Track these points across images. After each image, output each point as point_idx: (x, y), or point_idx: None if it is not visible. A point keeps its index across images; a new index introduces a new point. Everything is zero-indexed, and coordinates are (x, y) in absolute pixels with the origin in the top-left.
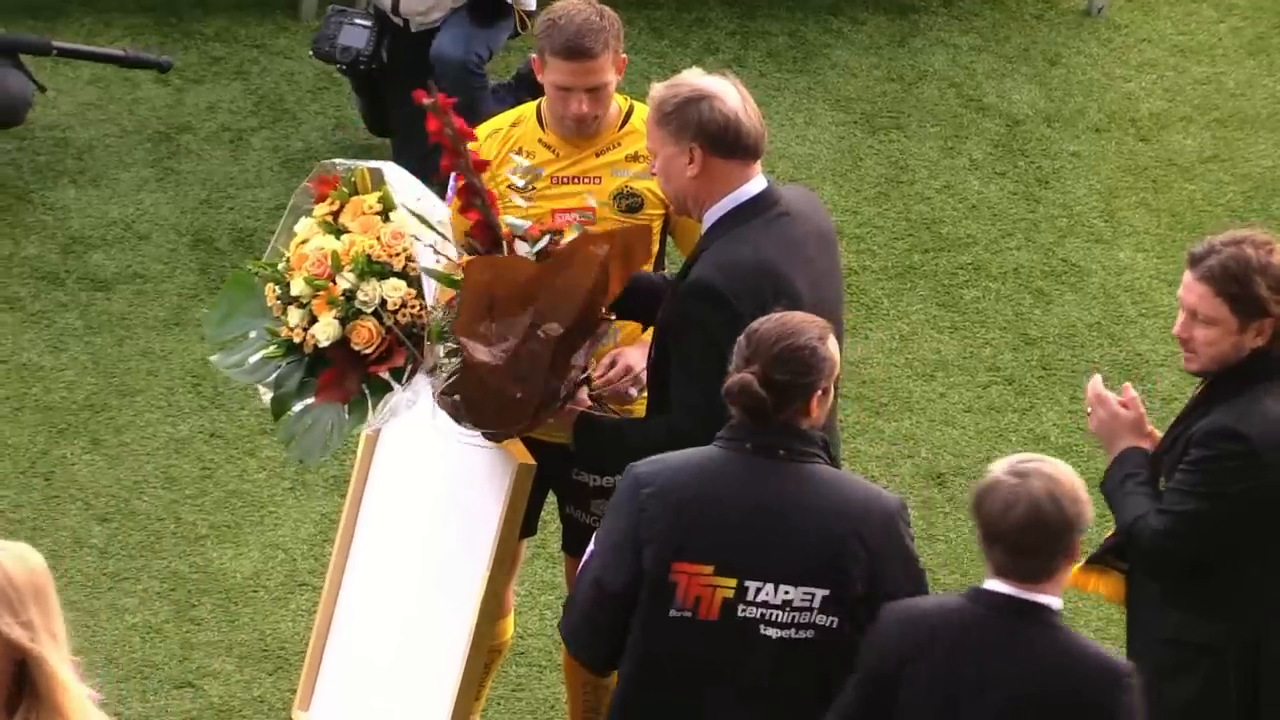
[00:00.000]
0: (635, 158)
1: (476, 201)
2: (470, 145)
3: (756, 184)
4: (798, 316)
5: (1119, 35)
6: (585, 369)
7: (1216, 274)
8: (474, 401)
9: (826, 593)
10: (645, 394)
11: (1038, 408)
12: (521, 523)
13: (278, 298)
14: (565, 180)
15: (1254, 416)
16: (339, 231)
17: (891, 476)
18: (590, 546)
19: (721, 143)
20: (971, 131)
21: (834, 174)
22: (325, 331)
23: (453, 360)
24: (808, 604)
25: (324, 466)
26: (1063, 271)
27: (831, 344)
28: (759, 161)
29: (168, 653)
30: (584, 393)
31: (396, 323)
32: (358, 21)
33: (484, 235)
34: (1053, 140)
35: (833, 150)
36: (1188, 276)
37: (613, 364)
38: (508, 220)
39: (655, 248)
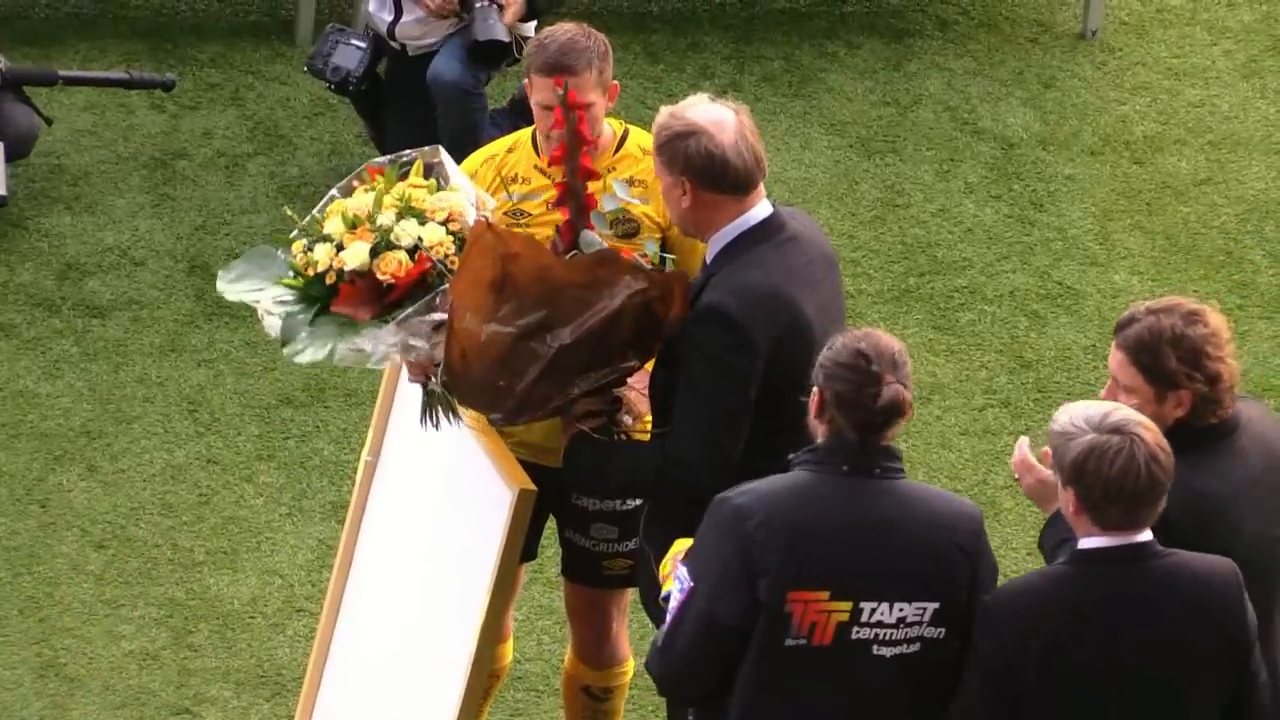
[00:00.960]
0: (631, 181)
1: (571, 204)
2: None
3: (761, 209)
4: (877, 331)
5: (1113, 59)
6: (614, 401)
7: (1131, 343)
8: (450, 367)
9: (936, 605)
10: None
11: (1033, 431)
12: (521, 547)
13: (304, 250)
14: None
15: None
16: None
17: None
18: (678, 584)
19: (708, 178)
20: (966, 155)
21: (830, 198)
22: (355, 256)
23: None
24: (919, 618)
25: (321, 492)
26: (1058, 294)
27: None
28: (760, 188)
29: (165, 679)
30: (592, 423)
31: (430, 258)
32: (353, 42)
33: (568, 236)
34: (1047, 163)
35: (828, 174)
36: (1113, 343)
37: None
38: (586, 235)
39: None
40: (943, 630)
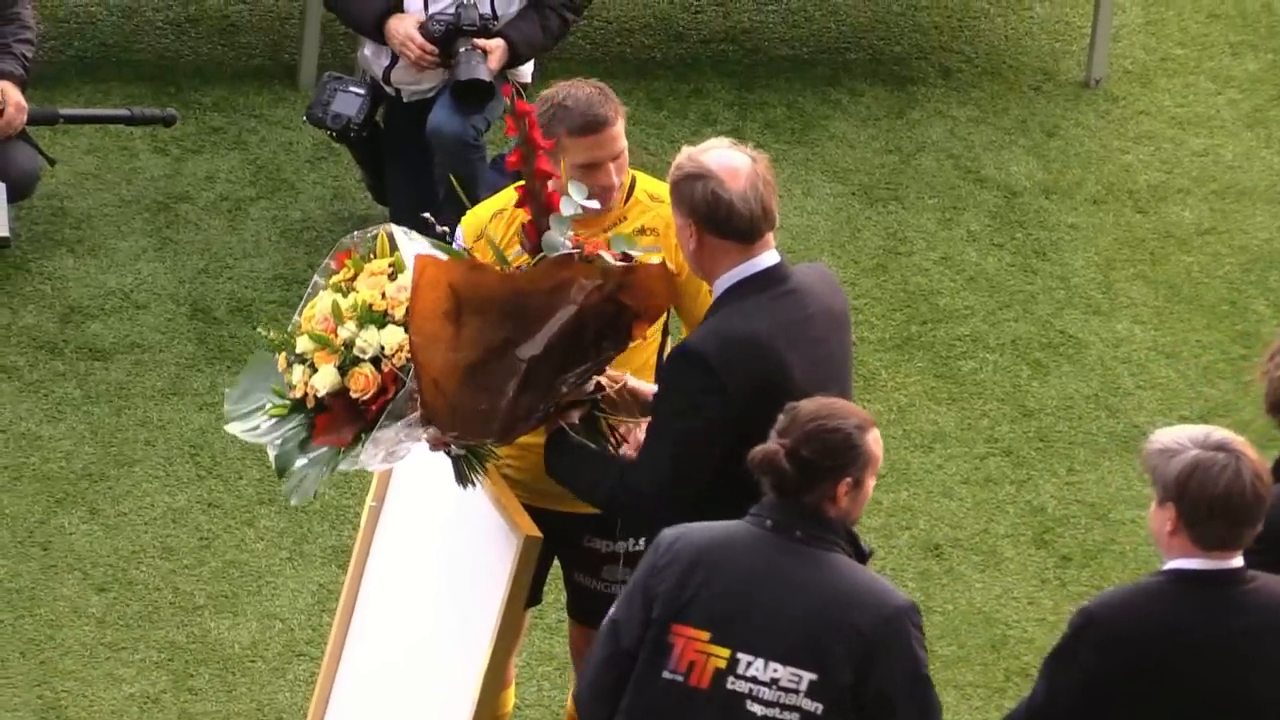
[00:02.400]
0: (643, 231)
1: (532, 206)
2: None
3: (768, 258)
4: (843, 403)
5: (1117, 107)
6: (594, 391)
7: None
8: (428, 404)
9: (814, 677)
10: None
11: (1035, 479)
12: (527, 594)
13: (288, 363)
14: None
15: None
16: (348, 293)
17: (889, 548)
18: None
19: (713, 223)
20: (969, 203)
21: (832, 245)
22: (324, 379)
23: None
24: (795, 685)
25: (322, 536)
26: (1060, 343)
27: (873, 438)
28: (769, 236)
29: None
30: (576, 414)
31: (394, 366)
32: (352, 89)
33: (534, 236)
34: (1050, 212)
35: (831, 221)
36: None
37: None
38: (549, 238)
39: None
40: (820, 706)
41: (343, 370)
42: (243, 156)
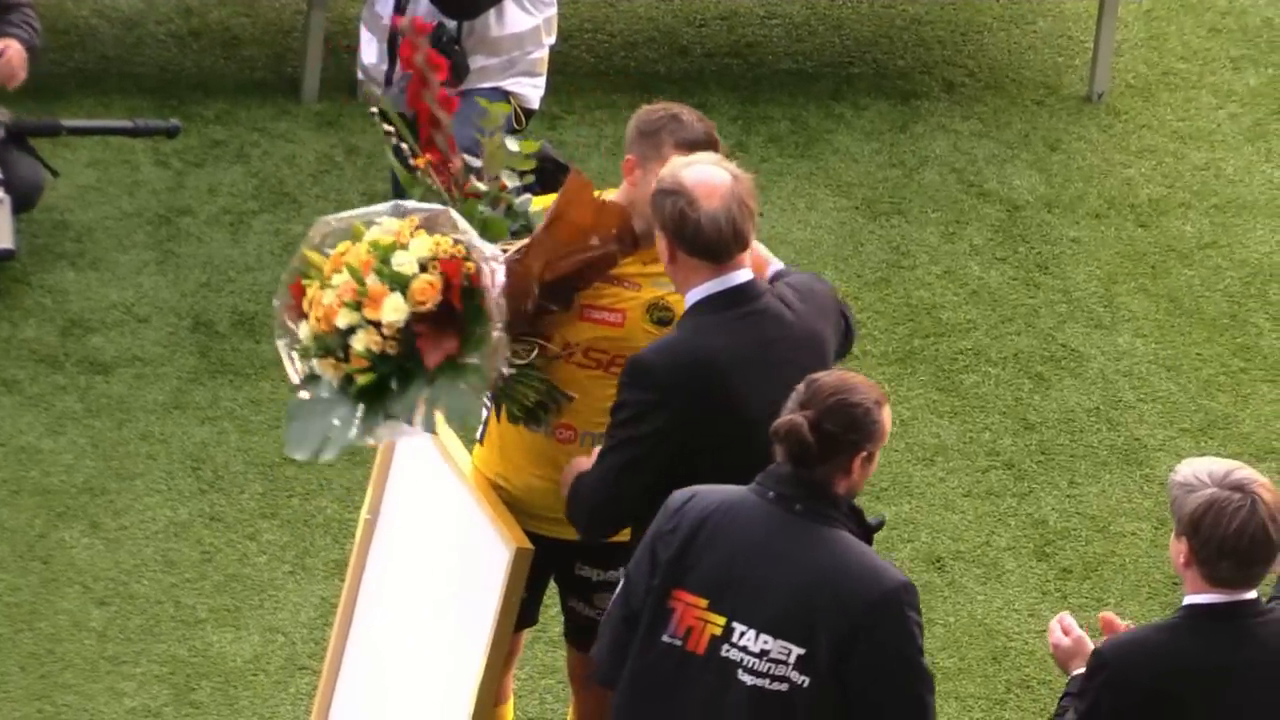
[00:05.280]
0: None
1: (438, 137)
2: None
3: (740, 275)
4: (860, 378)
5: (1119, 121)
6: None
7: None
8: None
9: (802, 651)
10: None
11: (1036, 492)
12: (520, 610)
13: (333, 361)
14: (608, 278)
15: None
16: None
17: (890, 560)
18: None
19: (682, 240)
20: (972, 217)
21: (835, 259)
22: (393, 309)
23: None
24: (784, 658)
25: (324, 550)
26: (1062, 357)
27: (887, 413)
28: (743, 255)
29: None
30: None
31: (444, 252)
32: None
33: (442, 173)
34: (1053, 226)
35: (834, 235)
36: None
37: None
38: (465, 158)
39: None
40: (807, 680)
41: (404, 293)
42: (245, 169)
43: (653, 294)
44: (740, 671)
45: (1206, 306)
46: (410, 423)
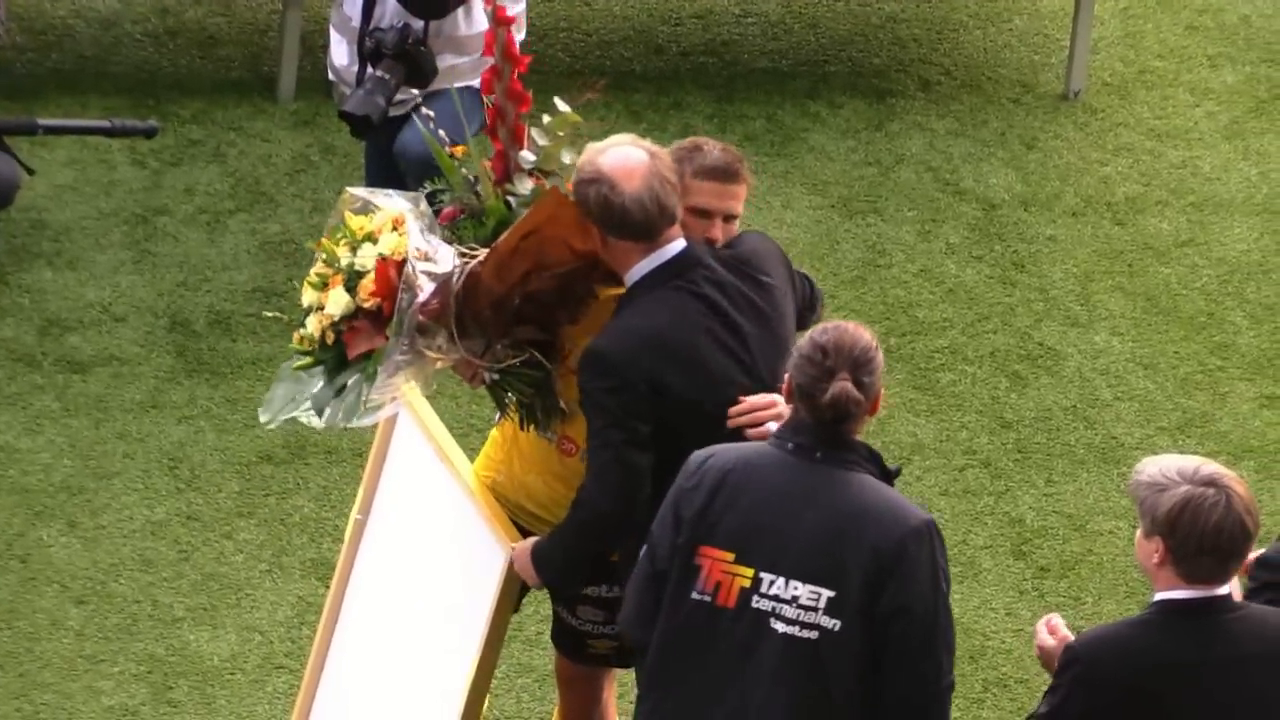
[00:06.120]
0: None
1: (502, 131)
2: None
3: (674, 247)
4: (850, 324)
5: (1095, 119)
6: (500, 361)
7: None
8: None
9: (832, 594)
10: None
11: (1013, 491)
12: (513, 609)
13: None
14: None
15: None
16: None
17: None
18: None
19: (609, 225)
20: (948, 215)
21: (811, 258)
22: (336, 302)
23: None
24: (814, 603)
25: (301, 549)
26: (1039, 355)
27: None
28: (673, 228)
29: None
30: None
31: (396, 262)
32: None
33: (501, 165)
34: (1029, 224)
35: (810, 234)
36: None
37: None
38: (523, 155)
39: None
40: (838, 623)
41: (350, 289)
42: (221, 169)
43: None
44: (773, 620)
45: (1183, 305)
46: (320, 414)
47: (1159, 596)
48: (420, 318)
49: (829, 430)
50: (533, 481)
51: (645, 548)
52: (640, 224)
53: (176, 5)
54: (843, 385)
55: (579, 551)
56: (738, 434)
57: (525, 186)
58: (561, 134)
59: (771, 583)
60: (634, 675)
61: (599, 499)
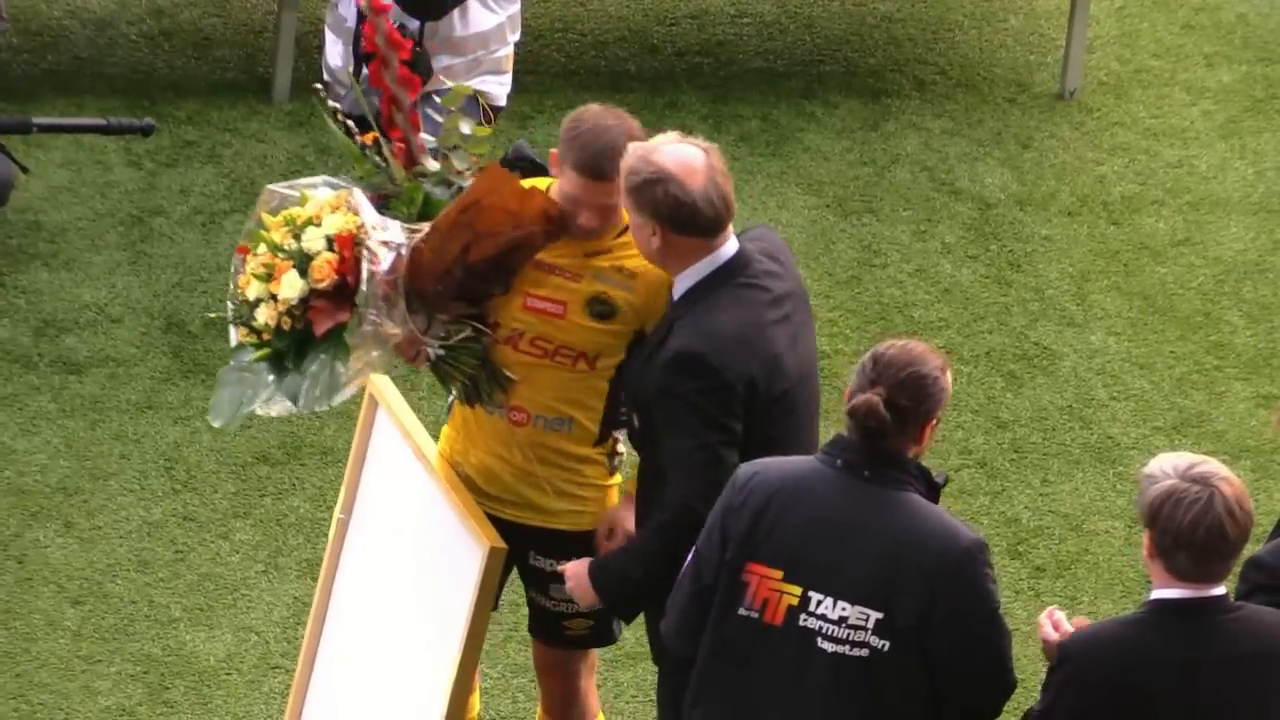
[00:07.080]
0: (621, 270)
1: (399, 117)
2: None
3: (729, 248)
4: (921, 346)
5: (1091, 119)
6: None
7: None
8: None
9: (880, 616)
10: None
11: (1009, 491)
12: (492, 604)
13: (246, 330)
14: (545, 266)
15: None
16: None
17: None
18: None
19: (678, 223)
20: (944, 215)
21: (806, 258)
22: (290, 286)
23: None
24: (863, 623)
25: (297, 549)
26: (1034, 355)
27: (949, 376)
28: (728, 228)
29: None
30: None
31: (346, 231)
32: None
33: (405, 151)
34: (1025, 224)
35: (805, 234)
36: None
37: (611, 531)
38: (423, 137)
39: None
40: (887, 644)
41: (303, 272)
42: (217, 170)
43: (593, 288)
44: (820, 640)
45: (1179, 304)
46: (295, 402)
47: (1153, 595)
48: (383, 288)
49: (871, 446)
50: (487, 460)
51: (690, 561)
52: (710, 220)
53: (171, 6)
54: (868, 398)
55: (662, 558)
56: (814, 431)
57: (433, 165)
58: (454, 108)
59: (819, 602)
60: (631, 676)
61: (693, 500)
